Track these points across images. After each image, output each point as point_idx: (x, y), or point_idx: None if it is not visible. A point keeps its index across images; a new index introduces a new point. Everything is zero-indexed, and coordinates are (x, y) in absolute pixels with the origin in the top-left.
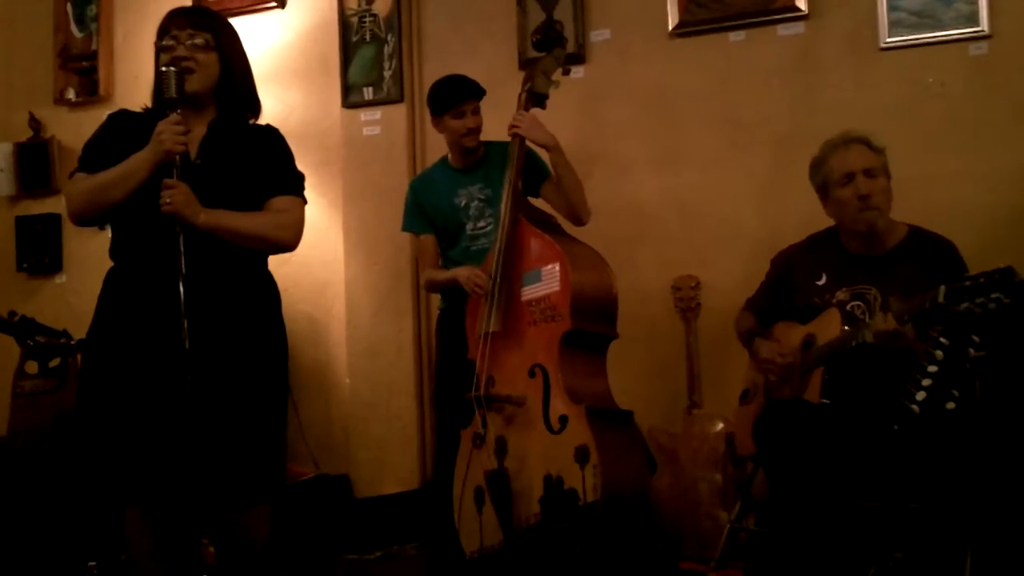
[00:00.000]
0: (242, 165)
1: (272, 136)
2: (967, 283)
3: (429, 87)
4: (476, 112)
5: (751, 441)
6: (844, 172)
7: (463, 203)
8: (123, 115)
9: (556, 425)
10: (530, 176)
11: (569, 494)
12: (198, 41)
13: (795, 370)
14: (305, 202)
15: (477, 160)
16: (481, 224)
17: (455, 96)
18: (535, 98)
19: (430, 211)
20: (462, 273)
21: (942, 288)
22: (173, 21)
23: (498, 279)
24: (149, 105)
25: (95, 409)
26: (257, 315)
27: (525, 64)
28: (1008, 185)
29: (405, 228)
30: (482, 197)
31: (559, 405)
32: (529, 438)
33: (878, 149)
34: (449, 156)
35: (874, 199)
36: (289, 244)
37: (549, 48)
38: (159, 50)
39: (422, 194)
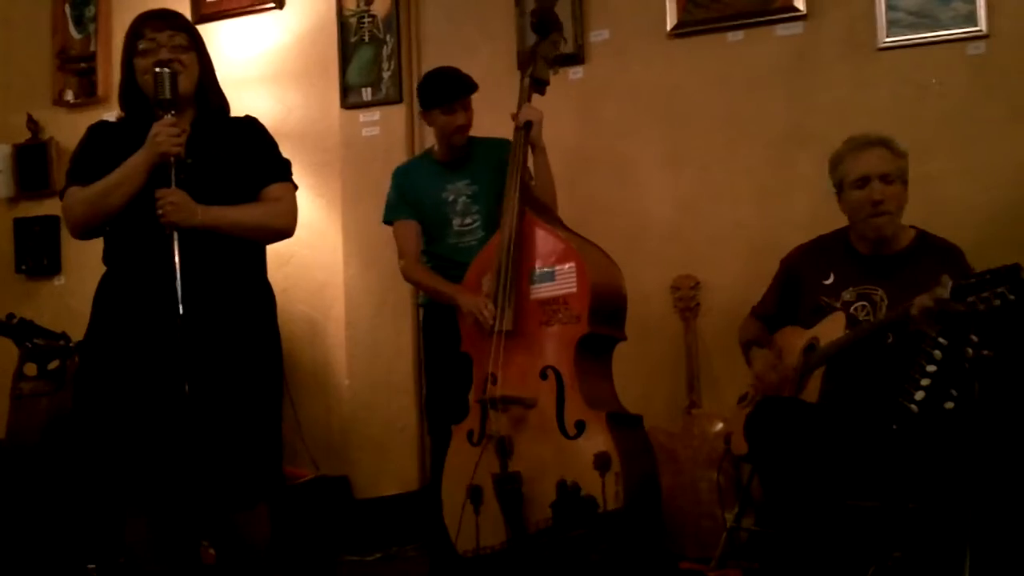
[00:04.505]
0: (231, 158)
1: (254, 126)
2: (972, 279)
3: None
4: (467, 108)
5: (742, 441)
6: (860, 175)
7: (450, 198)
8: (103, 125)
9: (572, 430)
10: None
11: (587, 501)
12: (180, 42)
13: (793, 376)
14: (296, 187)
15: (464, 156)
16: (468, 221)
17: (447, 93)
18: (536, 84)
19: (416, 201)
20: (467, 303)
21: (949, 283)
22: (148, 24)
23: (507, 276)
24: (120, 113)
25: (92, 415)
26: (251, 317)
27: (524, 65)
28: (1005, 184)
29: (390, 217)
30: (469, 193)
31: (575, 410)
32: (539, 441)
33: (899, 153)
34: (435, 149)
35: (886, 205)
36: (287, 231)
37: (546, 32)
38: (135, 54)
39: (408, 183)
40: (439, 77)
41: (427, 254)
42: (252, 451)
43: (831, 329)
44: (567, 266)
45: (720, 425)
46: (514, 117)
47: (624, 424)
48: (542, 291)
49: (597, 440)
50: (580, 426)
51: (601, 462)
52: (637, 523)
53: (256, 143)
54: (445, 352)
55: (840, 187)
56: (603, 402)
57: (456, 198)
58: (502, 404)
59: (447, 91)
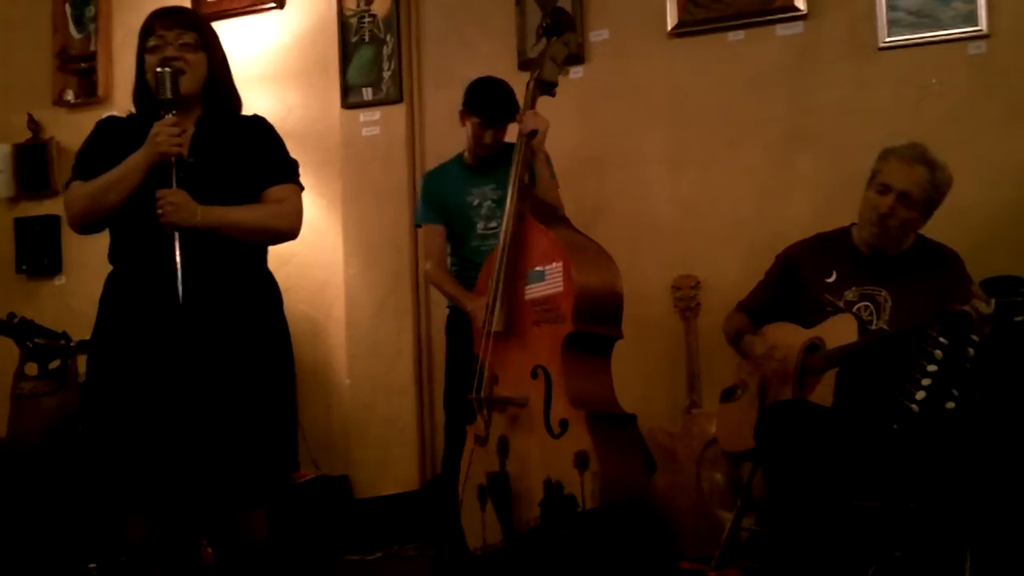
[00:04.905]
0: (235, 158)
1: (261, 126)
2: (1019, 298)
3: (471, 82)
4: (500, 129)
5: (735, 438)
6: (886, 182)
7: (476, 202)
8: (112, 121)
9: (556, 429)
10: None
11: (568, 500)
12: (187, 40)
13: (794, 375)
14: (302, 188)
15: (493, 160)
16: (492, 224)
17: (488, 113)
18: (543, 86)
19: (442, 205)
20: (470, 308)
21: (992, 300)
22: (158, 21)
23: (501, 277)
24: (133, 110)
25: (101, 417)
26: (258, 314)
27: (524, 65)
28: (1005, 184)
29: (418, 221)
30: (495, 198)
31: (560, 408)
32: (530, 440)
33: (936, 185)
34: (465, 153)
35: (890, 221)
36: (291, 233)
37: (559, 33)
38: (145, 51)
39: (435, 187)
40: (493, 92)
41: (453, 256)
42: (263, 446)
43: (840, 331)
44: (555, 265)
45: None
46: (519, 119)
47: (607, 423)
48: (535, 291)
49: (578, 438)
50: (564, 424)
51: (580, 460)
52: (617, 522)
53: (262, 143)
54: (464, 353)
55: (871, 178)
56: (588, 401)
57: (481, 202)
58: (487, 405)
59: (490, 111)
